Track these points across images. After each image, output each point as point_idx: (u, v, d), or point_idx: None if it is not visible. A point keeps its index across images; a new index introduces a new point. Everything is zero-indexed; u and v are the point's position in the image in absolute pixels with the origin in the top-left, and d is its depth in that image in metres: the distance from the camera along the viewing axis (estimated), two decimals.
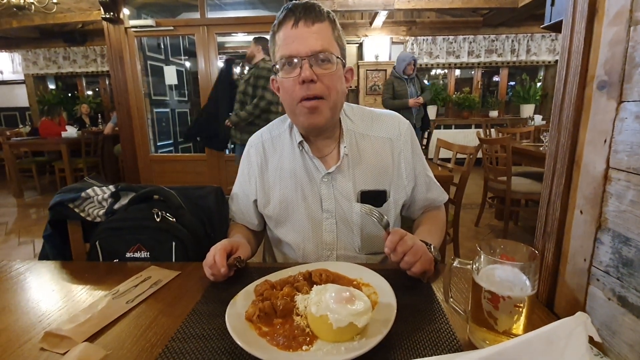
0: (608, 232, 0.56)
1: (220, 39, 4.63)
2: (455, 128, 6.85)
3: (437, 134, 5.71)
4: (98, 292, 0.77)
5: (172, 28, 4.47)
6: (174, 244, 0.95)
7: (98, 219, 1.02)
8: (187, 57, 5.92)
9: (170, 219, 0.97)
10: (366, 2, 5.01)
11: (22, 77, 7.24)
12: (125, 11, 4.41)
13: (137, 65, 4.54)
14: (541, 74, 6.91)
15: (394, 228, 0.78)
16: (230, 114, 3.41)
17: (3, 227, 3.88)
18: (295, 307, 0.63)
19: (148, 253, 0.95)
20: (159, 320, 0.67)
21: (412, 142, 1.01)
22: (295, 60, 0.84)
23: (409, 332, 0.61)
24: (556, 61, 6.13)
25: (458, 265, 0.61)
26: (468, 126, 6.78)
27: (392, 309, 0.61)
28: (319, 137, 0.97)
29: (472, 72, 6.93)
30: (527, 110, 6.51)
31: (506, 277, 0.55)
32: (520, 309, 0.55)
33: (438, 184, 1.07)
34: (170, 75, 5.13)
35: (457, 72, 6.97)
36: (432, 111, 6.52)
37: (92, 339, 0.62)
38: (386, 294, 0.67)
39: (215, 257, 0.77)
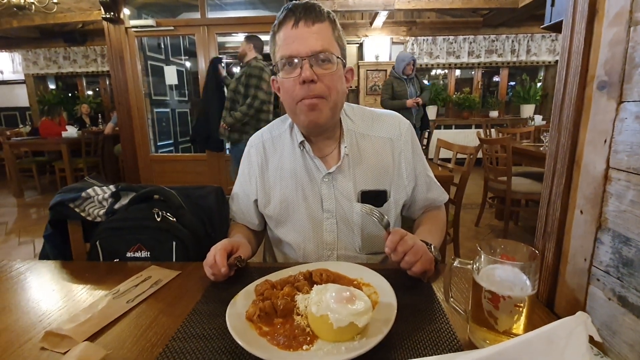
0: (608, 232, 0.56)
1: (220, 39, 4.63)
2: (455, 128, 6.85)
3: (438, 134, 5.71)
4: (98, 292, 0.78)
5: (172, 28, 4.47)
6: (174, 243, 0.95)
7: (98, 219, 1.02)
8: (187, 57, 5.92)
9: (171, 219, 0.97)
10: (366, 2, 5.02)
11: (22, 77, 7.24)
12: (126, 11, 4.41)
13: (137, 65, 4.54)
14: (541, 74, 6.91)
15: (394, 228, 0.78)
16: (222, 114, 3.33)
17: (3, 226, 3.89)
18: (295, 306, 0.63)
19: (148, 253, 0.95)
20: (160, 320, 0.67)
21: (412, 142, 1.02)
22: (296, 60, 0.84)
23: (410, 331, 0.61)
24: (556, 61, 6.15)
25: (458, 265, 0.61)
26: (468, 126, 6.78)
27: (393, 309, 0.61)
28: (320, 137, 0.97)
29: (473, 73, 6.93)
30: (527, 110, 6.51)
31: (506, 277, 0.55)
32: (521, 309, 0.55)
33: (438, 184, 1.07)
34: (170, 75, 5.13)
35: (458, 72, 6.97)
36: (432, 111, 6.53)
37: (92, 338, 0.62)
38: (386, 293, 0.67)
39: (216, 257, 0.77)
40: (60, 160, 5.13)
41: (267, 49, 0.95)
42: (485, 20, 6.23)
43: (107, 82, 7.25)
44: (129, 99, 4.56)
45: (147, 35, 4.62)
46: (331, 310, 0.56)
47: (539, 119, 5.54)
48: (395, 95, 4.21)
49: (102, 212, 1.02)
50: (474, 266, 0.59)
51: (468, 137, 6.40)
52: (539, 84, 6.81)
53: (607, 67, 0.56)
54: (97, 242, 0.96)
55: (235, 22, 4.50)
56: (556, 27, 2.53)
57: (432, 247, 0.80)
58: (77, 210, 1.02)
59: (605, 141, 0.56)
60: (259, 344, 0.57)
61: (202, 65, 4.43)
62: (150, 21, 4.37)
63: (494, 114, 6.73)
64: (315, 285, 0.68)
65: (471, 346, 0.58)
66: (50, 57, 7.06)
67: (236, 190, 1.08)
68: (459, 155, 2.45)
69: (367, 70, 6.30)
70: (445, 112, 6.97)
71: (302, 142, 0.96)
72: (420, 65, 6.53)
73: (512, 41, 6.44)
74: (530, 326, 0.53)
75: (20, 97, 7.37)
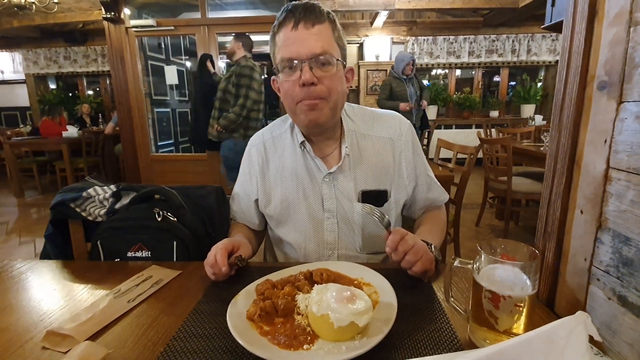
0: (608, 231, 0.56)
1: (220, 39, 4.62)
2: (455, 128, 6.84)
3: (438, 134, 5.71)
4: (99, 291, 0.78)
5: (172, 28, 4.47)
6: (175, 243, 0.96)
7: (99, 219, 1.02)
8: (187, 57, 5.92)
9: (172, 219, 0.97)
10: (367, 2, 5.01)
11: (22, 76, 7.24)
12: (126, 11, 4.41)
13: (137, 65, 4.54)
14: (542, 74, 6.91)
15: (395, 227, 0.79)
16: (212, 113, 3.27)
17: (4, 226, 3.89)
18: (296, 306, 0.64)
19: (149, 252, 0.95)
20: (160, 320, 0.67)
21: (413, 142, 1.02)
22: (296, 62, 0.84)
23: (410, 331, 0.61)
24: (557, 61, 6.15)
25: (459, 265, 0.61)
26: (469, 126, 6.78)
27: (393, 309, 0.61)
28: (320, 137, 0.97)
29: (473, 72, 6.93)
30: (528, 110, 6.51)
31: (507, 276, 0.55)
32: (521, 309, 0.55)
33: (439, 183, 1.07)
34: (171, 75, 5.13)
35: (458, 72, 6.97)
36: (432, 111, 6.52)
37: (93, 337, 0.62)
38: (387, 293, 0.67)
39: (217, 256, 0.77)
40: (61, 160, 5.13)
41: (266, 49, 0.95)
42: (485, 20, 6.23)
43: (108, 82, 7.26)
44: (129, 98, 4.56)
45: (147, 35, 4.62)
46: (332, 309, 0.56)
47: (539, 119, 5.54)
48: (395, 95, 4.21)
49: (103, 211, 1.02)
50: (475, 266, 0.59)
51: (468, 137, 6.39)
52: (539, 84, 6.80)
53: (608, 67, 0.56)
54: (98, 242, 0.97)
55: (236, 22, 4.49)
56: (556, 27, 2.53)
57: (433, 246, 0.80)
58: (78, 210, 1.03)
59: (605, 141, 0.56)
60: (260, 343, 0.57)
61: None
62: (150, 21, 4.37)
63: (494, 113, 6.73)
64: (315, 284, 0.68)
65: (471, 346, 0.58)
66: (51, 57, 7.06)
67: (237, 190, 1.08)
68: (460, 155, 2.46)
69: (368, 70, 6.30)
70: (446, 112, 6.96)
71: (302, 142, 0.96)
72: (421, 65, 6.53)
73: (513, 41, 6.44)
74: (530, 326, 0.53)
75: (21, 97, 7.37)
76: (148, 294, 0.75)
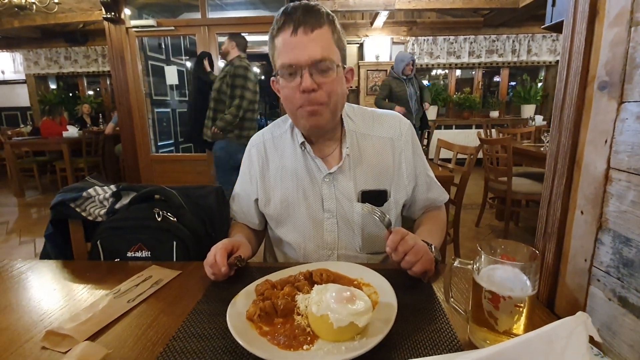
0: (609, 232, 0.56)
1: (221, 39, 4.62)
2: (455, 128, 6.84)
3: (438, 134, 5.71)
4: (99, 291, 0.78)
5: (173, 28, 4.47)
6: (175, 243, 0.95)
7: (99, 219, 1.02)
8: (188, 57, 5.92)
9: (171, 219, 0.97)
10: (367, 2, 5.02)
11: (23, 76, 7.25)
12: (127, 11, 4.41)
13: (138, 65, 4.54)
14: (542, 74, 6.91)
15: (395, 227, 0.79)
16: (207, 113, 3.23)
17: (4, 226, 3.89)
18: (296, 306, 0.63)
19: (149, 252, 0.95)
20: (160, 320, 0.67)
21: (412, 142, 1.02)
22: (295, 68, 0.84)
23: (410, 331, 0.61)
24: (557, 61, 6.14)
25: (459, 265, 0.61)
26: (469, 126, 6.78)
27: (393, 309, 0.61)
28: (321, 138, 0.97)
29: (473, 73, 6.92)
30: (528, 110, 6.50)
31: (507, 277, 0.55)
32: (521, 309, 0.55)
33: (439, 184, 1.07)
34: (171, 75, 5.13)
35: (458, 72, 6.97)
36: (432, 111, 6.52)
37: (93, 337, 0.62)
38: (387, 293, 0.67)
39: (216, 257, 0.77)
40: (61, 160, 5.14)
41: (266, 49, 0.94)
42: (485, 20, 6.23)
43: (108, 82, 7.26)
44: (129, 98, 4.56)
45: (147, 35, 4.62)
46: (331, 310, 0.56)
47: (539, 119, 5.53)
48: (394, 95, 4.21)
49: (103, 211, 1.02)
50: (474, 266, 0.59)
51: (468, 137, 6.39)
52: (539, 84, 6.80)
53: (608, 67, 0.56)
54: (98, 242, 0.97)
55: (236, 22, 4.49)
56: (557, 28, 2.52)
57: (433, 247, 0.80)
58: (78, 209, 1.03)
59: (605, 141, 0.56)
60: (260, 343, 0.57)
61: None
62: (151, 21, 4.37)
63: (494, 114, 6.73)
64: (315, 285, 0.68)
65: (471, 346, 0.58)
66: (51, 57, 7.07)
67: (237, 190, 1.09)
68: (460, 156, 2.45)
69: (368, 70, 6.30)
70: (446, 112, 6.96)
71: (302, 143, 0.96)
72: (421, 65, 6.53)
73: (513, 41, 6.43)
74: (530, 326, 0.53)
75: (21, 97, 7.38)
76: (148, 294, 0.75)
